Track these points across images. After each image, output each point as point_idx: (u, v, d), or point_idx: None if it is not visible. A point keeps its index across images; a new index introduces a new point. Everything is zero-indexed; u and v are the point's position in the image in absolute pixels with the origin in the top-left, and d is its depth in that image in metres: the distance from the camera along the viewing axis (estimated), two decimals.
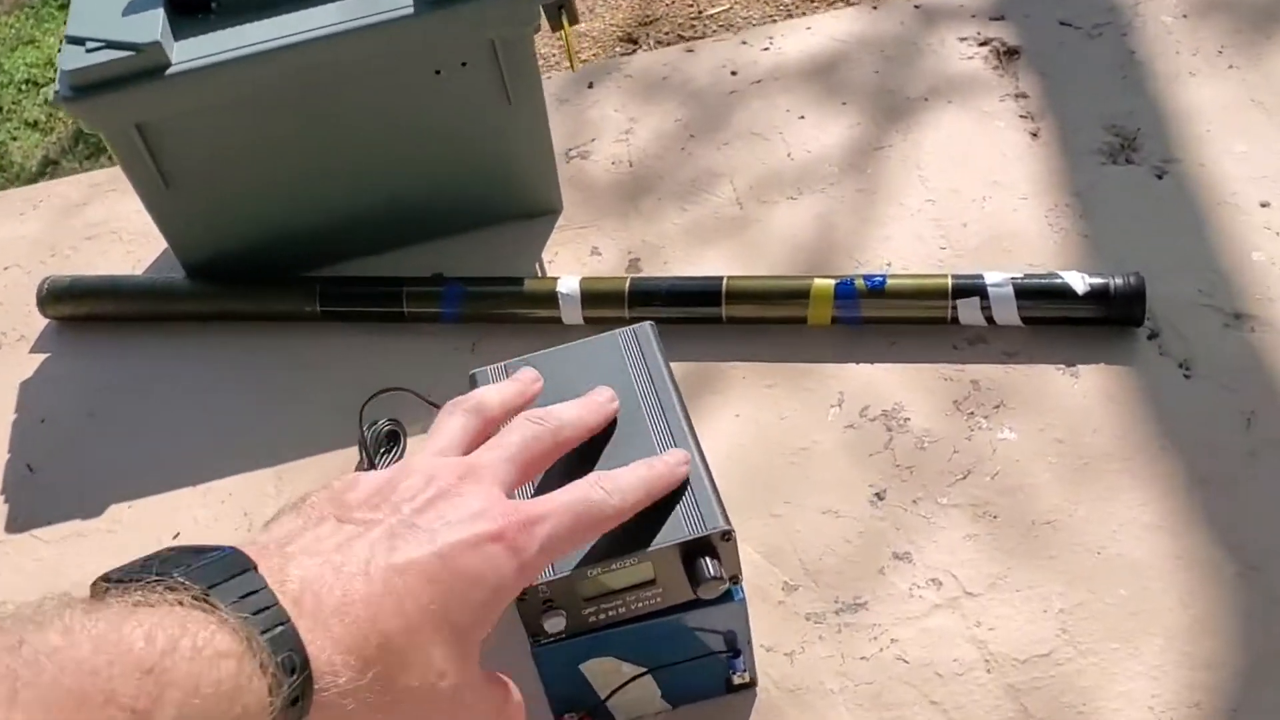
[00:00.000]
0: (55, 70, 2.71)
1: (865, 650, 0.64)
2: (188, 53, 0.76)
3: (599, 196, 0.93)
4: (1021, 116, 0.90)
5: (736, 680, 0.61)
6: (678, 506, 0.53)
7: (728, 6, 2.44)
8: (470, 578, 0.43)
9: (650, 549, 0.52)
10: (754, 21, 2.37)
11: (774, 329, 0.79)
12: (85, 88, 0.76)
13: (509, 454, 0.49)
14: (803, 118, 0.95)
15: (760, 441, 0.74)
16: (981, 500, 0.69)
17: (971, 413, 0.73)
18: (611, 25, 2.45)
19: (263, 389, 0.84)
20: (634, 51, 2.39)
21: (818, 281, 0.78)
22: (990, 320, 0.76)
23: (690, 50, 1.03)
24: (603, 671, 0.58)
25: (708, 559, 0.52)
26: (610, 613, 0.54)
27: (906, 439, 0.73)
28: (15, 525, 0.78)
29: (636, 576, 0.53)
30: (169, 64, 0.76)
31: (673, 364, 0.76)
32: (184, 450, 0.81)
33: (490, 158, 0.88)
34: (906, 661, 0.63)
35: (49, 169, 2.44)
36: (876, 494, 0.70)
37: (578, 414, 0.54)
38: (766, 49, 1.01)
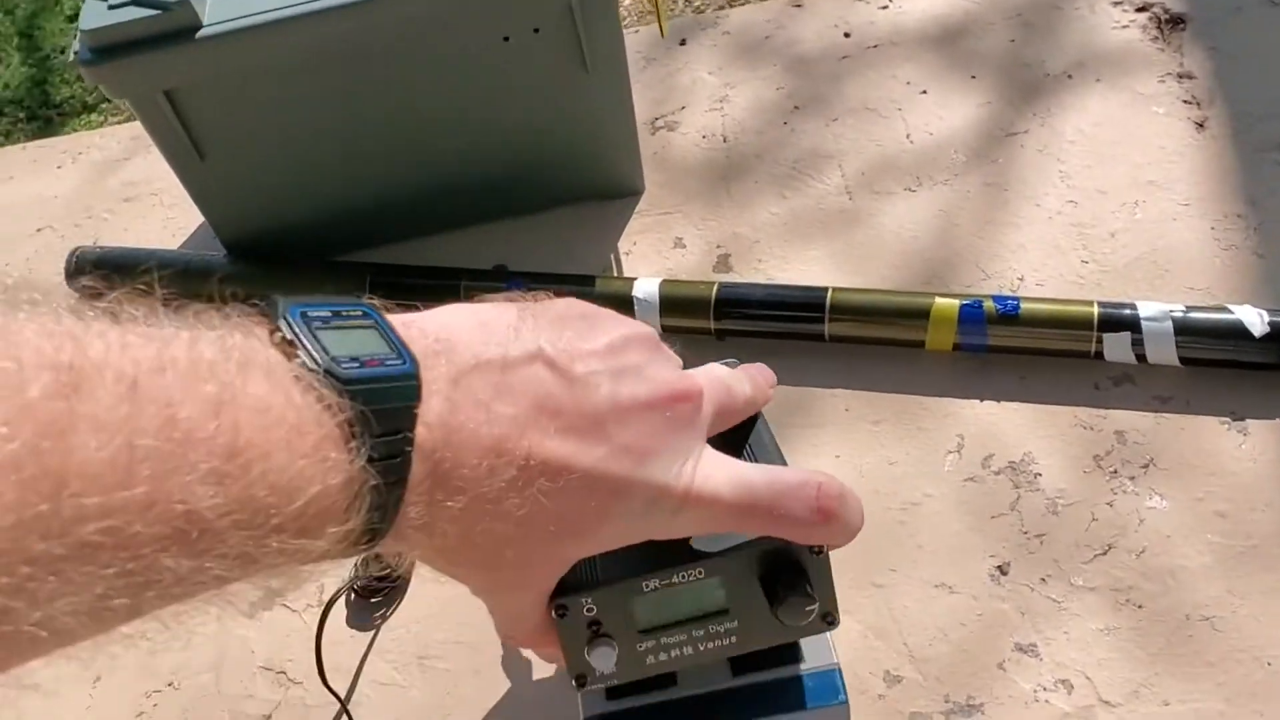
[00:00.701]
0: None
1: None
2: (222, 12, 0.67)
3: (686, 177, 0.82)
4: (1185, 102, 0.77)
5: None
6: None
7: None
8: (602, 505, 0.36)
9: (719, 555, 0.42)
10: None
11: (885, 352, 0.69)
12: (107, 50, 0.67)
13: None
14: (925, 92, 0.82)
15: (864, 491, 0.63)
16: (1124, 584, 0.58)
17: (1115, 471, 0.62)
18: None
19: None
20: None
21: (940, 301, 0.67)
22: (1141, 358, 0.64)
23: (799, 5, 0.91)
24: None
25: (792, 574, 0.42)
26: (674, 652, 0.44)
27: (1036, 499, 0.62)
28: None
29: (704, 600, 0.43)
30: (200, 24, 0.66)
31: None
32: None
33: (563, 132, 0.77)
34: None
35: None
36: (999, 567, 0.60)
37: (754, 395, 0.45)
38: (885, 7, 0.88)
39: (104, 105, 2.39)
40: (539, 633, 0.42)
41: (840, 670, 0.47)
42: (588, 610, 0.42)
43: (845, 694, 0.47)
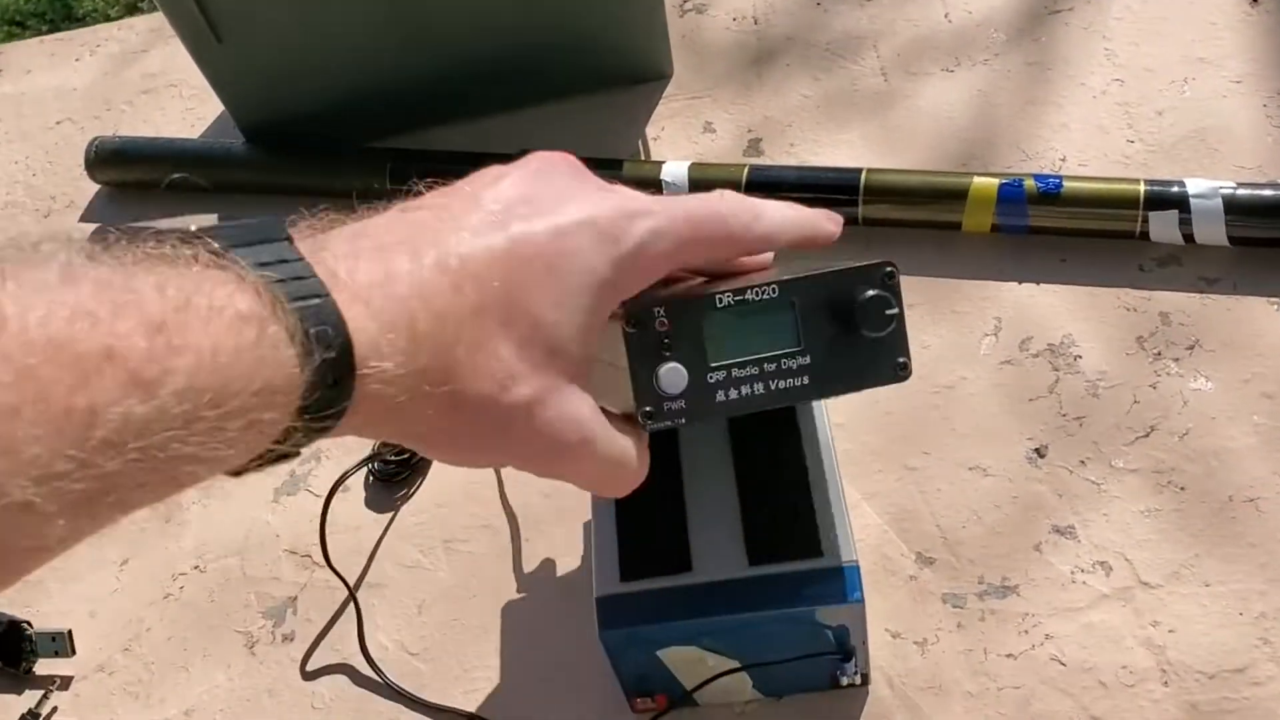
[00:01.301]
0: None
1: (1013, 646, 0.53)
2: None
3: (716, 60, 0.79)
4: None
5: (845, 682, 0.51)
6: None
7: None
8: (547, 260, 0.34)
9: (793, 278, 0.40)
10: None
11: (921, 234, 0.66)
12: None
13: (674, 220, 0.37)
14: None
15: None
16: (1166, 466, 0.57)
17: (1159, 353, 0.60)
18: None
19: None
20: None
21: (978, 180, 0.64)
22: (1189, 238, 0.62)
23: None
24: (685, 661, 0.49)
25: (873, 290, 0.40)
26: (745, 390, 0.41)
27: (1076, 382, 0.60)
28: None
29: (777, 326, 0.41)
30: None
31: None
32: None
33: (590, 11, 0.75)
34: (1063, 664, 0.52)
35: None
36: (1036, 449, 0.58)
37: (784, 214, 0.41)
38: None
39: (126, 19, 2.36)
40: (589, 418, 0.37)
41: (858, 567, 0.46)
42: (659, 324, 0.39)
43: (861, 592, 0.46)
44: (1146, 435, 0.58)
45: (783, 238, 0.39)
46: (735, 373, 0.40)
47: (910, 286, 0.65)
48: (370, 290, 0.30)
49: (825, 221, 0.41)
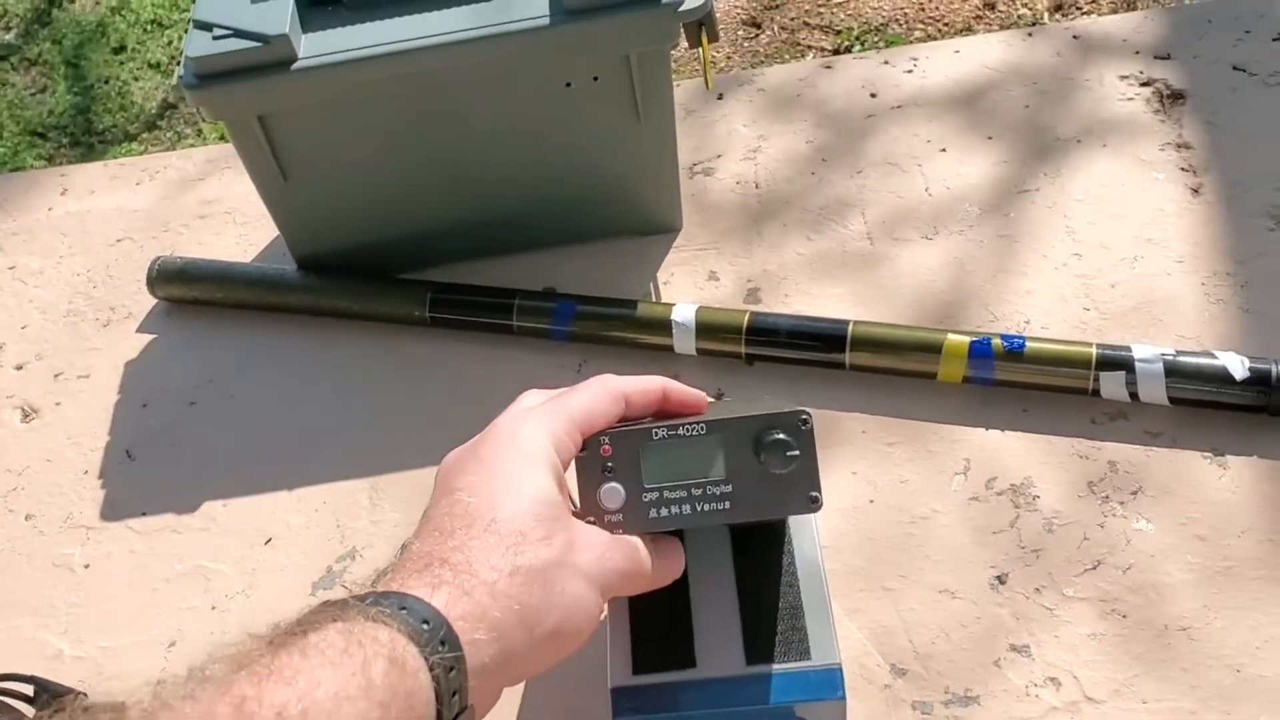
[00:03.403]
0: (180, 12, 2.73)
1: None
2: (315, 47, 0.74)
3: (721, 217, 0.89)
4: (1183, 169, 0.84)
5: None
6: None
7: None
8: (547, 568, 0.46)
9: (718, 419, 0.49)
10: (883, 14, 2.29)
11: (900, 381, 0.75)
12: (210, 76, 0.74)
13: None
14: (944, 150, 0.89)
15: (877, 505, 0.70)
16: (1111, 595, 0.64)
17: (1106, 496, 0.68)
18: (735, 7, 2.39)
19: (364, 393, 0.82)
20: (756, 36, 2.33)
21: (951, 337, 0.73)
22: (1134, 396, 0.71)
23: (828, 67, 0.98)
24: None
25: (781, 435, 0.49)
26: (674, 509, 0.50)
27: (1034, 519, 0.68)
28: (111, 513, 0.78)
29: (705, 461, 0.50)
30: (296, 58, 0.73)
31: None
32: (281, 449, 0.79)
33: (613, 172, 0.84)
34: None
35: (167, 112, 2.47)
36: (998, 577, 0.66)
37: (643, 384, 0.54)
38: (910, 71, 0.96)
39: (144, 135, 2.47)
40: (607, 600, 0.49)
41: (841, 669, 0.53)
42: (603, 450, 0.49)
43: (844, 691, 0.53)
44: (1094, 568, 0.65)
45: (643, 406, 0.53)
46: (666, 494, 0.50)
47: (890, 428, 0.73)
48: (467, 620, 0.43)
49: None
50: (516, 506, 0.46)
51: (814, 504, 0.50)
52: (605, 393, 0.51)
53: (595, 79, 0.78)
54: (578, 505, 0.51)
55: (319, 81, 0.74)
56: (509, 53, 0.74)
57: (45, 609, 0.73)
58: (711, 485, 0.49)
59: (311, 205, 0.83)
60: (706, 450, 0.49)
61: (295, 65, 0.73)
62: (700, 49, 0.77)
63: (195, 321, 0.88)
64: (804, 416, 0.49)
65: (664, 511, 0.50)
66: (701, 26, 0.76)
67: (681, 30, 0.76)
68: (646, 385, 0.52)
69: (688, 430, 0.49)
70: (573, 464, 0.51)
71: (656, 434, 0.49)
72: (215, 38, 0.74)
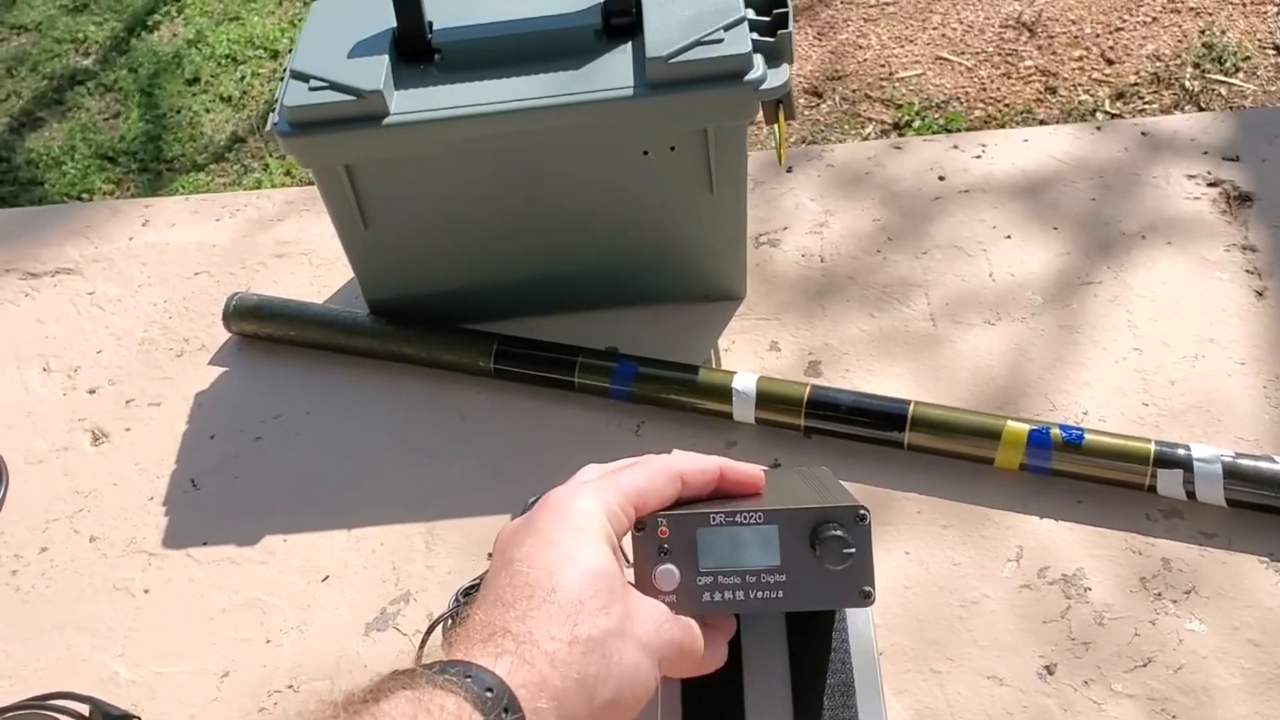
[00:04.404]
0: (255, 48, 2.80)
1: None
2: (407, 104, 0.77)
3: (785, 289, 0.90)
4: (1248, 271, 0.85)
5: None
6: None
7: (920, 72, 2.39)
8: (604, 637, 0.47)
9: (776, 508, 0.49)
10: (945, 91, 2.32)
11: (957, 465, 0.76)
12: (303, 125, 0.76)
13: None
14: (1009, 237, 0.91)
15: (928, 586, 0.71)
16: (1160, 695, 0.64)
17: (1159, 594, 0.68)
18: (799, 76, 2.42)
19: (426, 439, 0.83)
20: (818, 105, 2.36)
21: (1010, 424, 0.74)
22: (1191, 495, 0.71)
23: (898, 147, 1.00)
24: None
25: (838, 529, 0.49)
26: (727, 594, 0.50)
27: (1085, 611, 0.68)
28: (173, 540, 0.79)
29: (761, 549, 0.50)
30: (387, 113, 0.76)
31: (844, 483, 0.73)
32: (342, 489, 0.81)
33: (683, 239, 0.86)
34: None
35: (235, 145, 2.52)
36: (1046, 667, 0.66)
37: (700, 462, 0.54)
38: (978, 157, 0.97)
39: (211, 166, 2.52)
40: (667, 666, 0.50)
41: None
42: (660, 532, 0.49)
43: None
44: (1144, 665, 0.66)
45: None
46: (720, 579, 0.50)
47: (945, 510, 0.74)
48: (529, 689, 0.44)
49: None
50: (574, 578, 0.47)
51: (867, 599, 0.51)
52: (662, 471, 0.52)
53: (672, 149, 0.80)
54: (633, 578, 0.52)
55: (408, 137, 0.76)
56: (591, 120, 0.76)
57: (103, 631, 0.75)
58: (766, 574, 0.50)
59: (388, 253, 0.85)
60: (762, 538, 0.50)
61: (386, 120, 0.76)
62: (776, 126, 0.79)
63: (266, 358, 0.90)
64: (861, 512, 0.50)
65: (717, 596, 0.50)
66: (780, 105, 0.78)
67: (760, 107, 0.78)
68: (704, 466, 0.53)
69: (745, 518, 0.50)
70: (628, 540, 0.52)
71: (714, 519, 0.50)
72: (311, 89, 0.76)
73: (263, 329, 0.90)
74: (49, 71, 2.84)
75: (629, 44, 0.78)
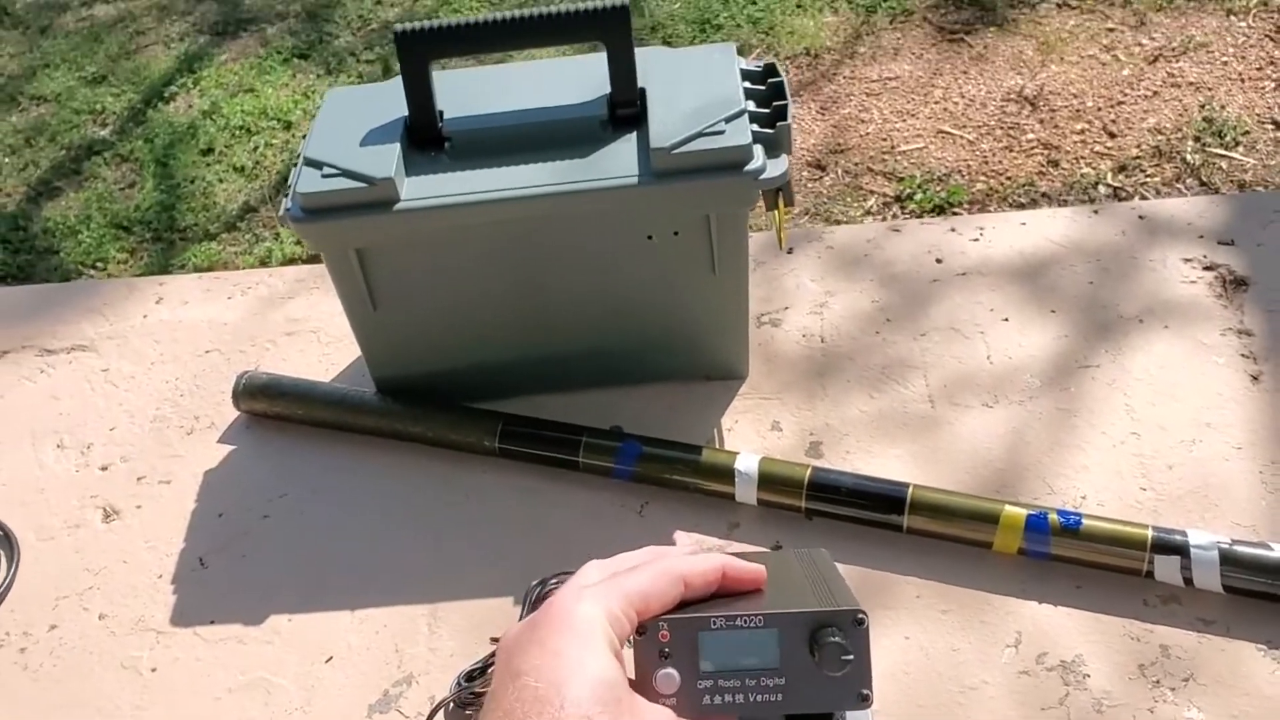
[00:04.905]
0: (268, 119, 2.84)
1: None
2: (417, 190, 0.79)
3: (786, 369, 0.92)
4: (1243, 355, 0.86)
5: None
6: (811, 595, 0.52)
7: (922, 145, 2.42)
8: None
9: (775, 612, 0.50)
10: (946, 164, 2.35)
11: (955, 548, 0.76)
12: (316, 211, 0.78)
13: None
14: (1006, 320, 0.92)
15: (927, 672, 0.71)
16: None
17: (1158, 681, 0.69)
18: (802, 150, 2.46)
19: (431, 518, 0.84)
20: (820, 178, 2.39)
21: (1009, 509, 0.75)
22: (1189, 582, 0.72)
23: (897, 230, 1.02)
24: None
25: (836, 635, 0.49)
26: (728, 697, 0.50)
27: (1083, 698, 0.69)
28: (181, 619, 0.80)
29: (760, 653, 0.50)
30: (398, 199, 0.78)
31: (844, 566, 0.74)
32: (347, 568, 0.82)
33: (686, 319, 0.88)
34: None
35: (248, 215, 2.56)
36: None
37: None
38: (976, 240, 0.99)
39: (224, 235, 2.55)
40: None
41: None
42: (661, 636, 0.50)
43: None
44: None
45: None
46: (720, 683, 0.51)
47: (944, 594, 0.75)
48: None
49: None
50: (581, 691, 0.47)
51: (865, 702, 0.51)
52: (664, 574, 0.53)
53: (676, 233, 0.81)
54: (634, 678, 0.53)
55: (417, 222, 0.78)
56: (597, 207, 0.79)
57: (110, 709, 0.76)
58: (766, 676, 0.51)
59: (396, 333, 0.87)
60: (762, 642, 0.51)
61: (397, 206, 0.78)
62: (776, 212, 0.81)
63: (274, 436, 0.91)
64: (859, 616, 0.50)
65: (718, 699, 0.51)
66: (779, 193, 0.80)
67: (760, 195, 0.80)
68: (706, 568, 0.54)
69: (745, 622, 0.50)
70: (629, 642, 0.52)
71: (714, 623, 0.51)
72: (324, 175, 0.79)
73: (271, 407, 0.91)
74: (67, 141, 2.89)
75: (634, 134, 0.80)
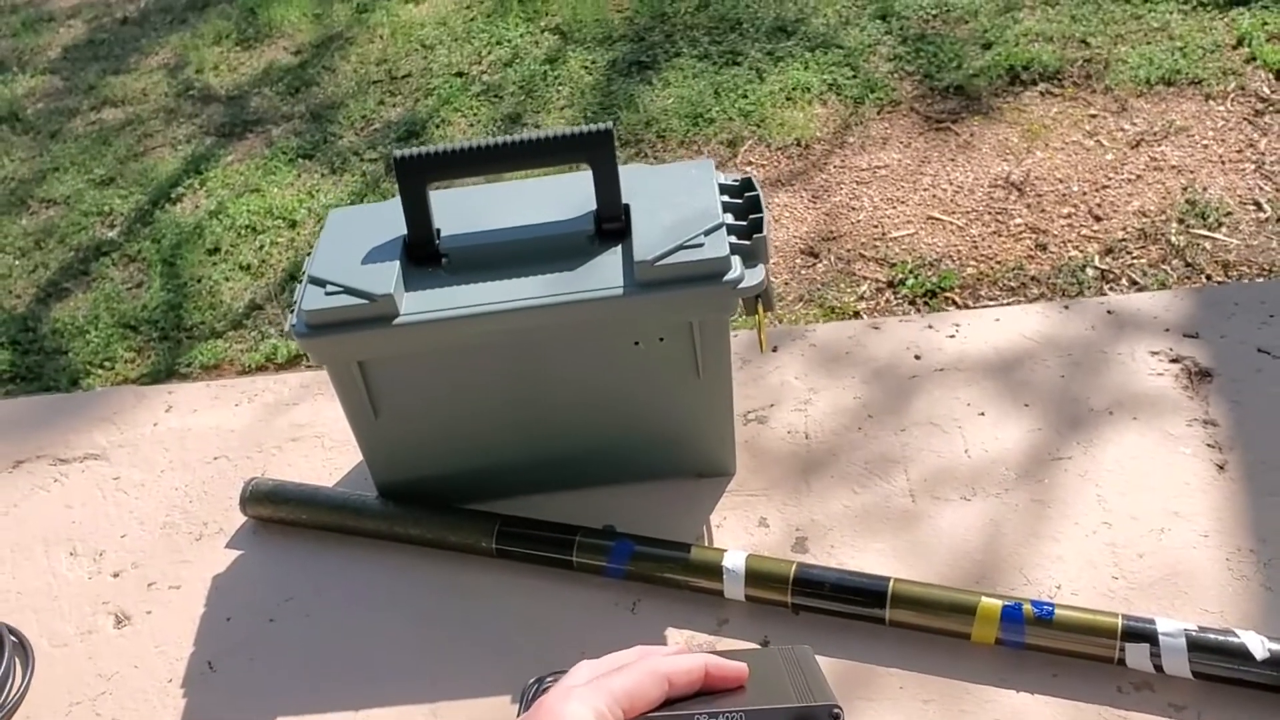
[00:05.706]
0: (273, 218, 2.91)
1: None
2: (416, 305, 0.83)
3: (772, 465, 0.95)
4: (1209, 445, 0.90)
5: None
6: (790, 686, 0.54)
7: (912, 231, 2.48)
8: None
9: (754, 708, 0.52)
10: (937, 250, 2.40)
11: (936, 639, 0.79)
12: (320, 326, 0.83)
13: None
14: (983, 414, 0.96)
15: None
16: None
17: None
18: (795, 237, 2.52)
19: (432, 619, 0.87)
20: (814, 265, 2.45)
21: (985, 600, 0.78)
22: (1159, 668, 0.74)
23: (876, 327, 1.06)
24: None
25: None
26: None
27: None
28: None
29: None
30: (397, 314, 0.82)
31: (828, 659, 0.77)
32: (350, 669, 0.85)
33: (673, 420, 0.91)
34: None
35: (254, 313, 2.61)
36: None
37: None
38: (952, 336, 1.03)
39: (230, 333, 2.60)
40: None
41: None
42: None
43: None
44: None
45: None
46: None
47: (926, 685, 0.77)
48: None
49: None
50: None
51: None
52: (649, 674, 0.56)
53: (661, 339, 0.86)
54: None
55: (416, 335, 0.83)
56: (586, 316, 0.83)
57: None
58: None
59: (397, 440, 0.91)
60: None
61: (397, 321, 0.82)
62: (757, 317, 0.85)
63: (280, 540, 0.95)
64: (835, 711, 0.54)
65: None
66: (759, 299, 0.85)
67: (739, 302, 0.84)
68: (689, 667, 0.57)
69: (725, 718, 0.54)
70: None
71: (700, 718, 0.54)
72: (328, 293, 0.83)
73: (277, 513, 0.95)
74: (75, 243, 2.96)
75: (619, 247, 0.85)
